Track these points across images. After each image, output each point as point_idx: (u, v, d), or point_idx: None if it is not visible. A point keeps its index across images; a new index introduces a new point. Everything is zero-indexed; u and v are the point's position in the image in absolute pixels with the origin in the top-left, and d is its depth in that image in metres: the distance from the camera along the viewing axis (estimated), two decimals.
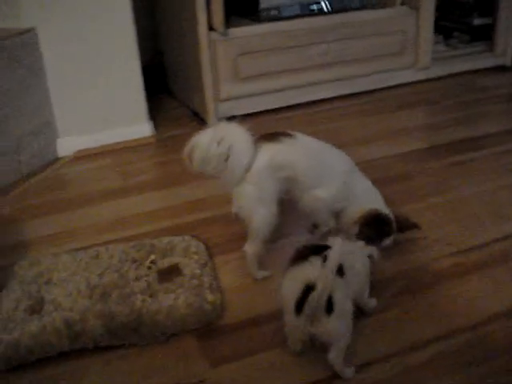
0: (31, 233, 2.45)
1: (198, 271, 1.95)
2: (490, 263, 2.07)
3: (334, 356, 1.57)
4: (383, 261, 1.88)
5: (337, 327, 1.54)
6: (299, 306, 1.51)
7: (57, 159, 3.13)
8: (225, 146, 1.84)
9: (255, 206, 1.91)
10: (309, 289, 1.48)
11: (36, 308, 1.85)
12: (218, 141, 1.84)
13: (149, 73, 3.42)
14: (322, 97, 3.67)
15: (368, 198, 2.06)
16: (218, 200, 2.57)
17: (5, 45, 2.75)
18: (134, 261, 2.03)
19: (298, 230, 2.27)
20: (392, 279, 2.01)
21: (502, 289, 1.94)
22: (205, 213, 2.49)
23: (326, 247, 1.57)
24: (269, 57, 3.41)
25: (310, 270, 1.53)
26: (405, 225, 2.09)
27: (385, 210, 2.05)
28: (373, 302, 1.84)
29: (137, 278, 1.93)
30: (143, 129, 3.31)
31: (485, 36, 4.15)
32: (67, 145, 3.16)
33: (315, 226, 2.18)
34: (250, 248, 1.99)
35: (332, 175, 2.02)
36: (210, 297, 1.84)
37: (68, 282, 1.94)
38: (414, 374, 1.62)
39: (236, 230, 2.20)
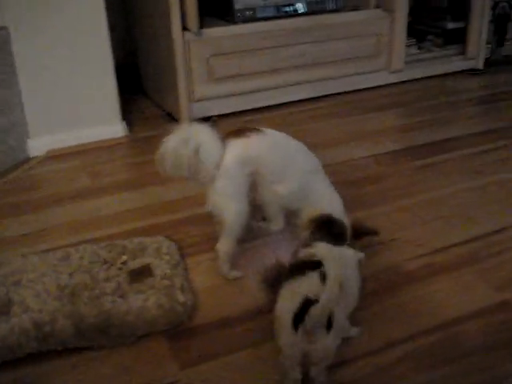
0: (0, 233, 2.41)
1: (169, 272, 1.95)
2: (459, 265, 2.10)
3: (318, 373, 1.54)
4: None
5: (333, 344, 1.48)
6: (297, 321, 1.43)
7: (28, 159, 3.09)
8: (192, 146, 1.84)
9: (227, 202, 1.93)
10: (308, 303, 1.41)
11: (3, 310, 1.82)
12: (185, 143, 1.85)
13: (122, 72, 3.39)
14: (296, 98, 3.68)
15: (326, 202, 2.01)
16: (190, 201, 2.57)
17: None
18: (105, 262, 2.02)
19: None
20: (362, 281, 2.01)
21: (470, 290, 1.97)
22: (178, 214, 2.48)
23: (318, 262, 1.49)
24: (243, 58, 3.41)
25: (308, 284, 1.47)
26: (361, 231, 2.01)
27: (340, 215, 1.97)
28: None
29: (107, 279, 1.91)
30: (116, 129, 3.29)
31: (458, 39, 4.20)
32: (38, 144, 3.12)
33: (263, 219, 2.15)
34: (222, 246, 1.99)
35: (295, 173, 2.01)
36: (181, 298, 1.83)
37: (37, 283, 1.91)
38: (384, 374, 1.63)
39: (209, 231, 2.20)
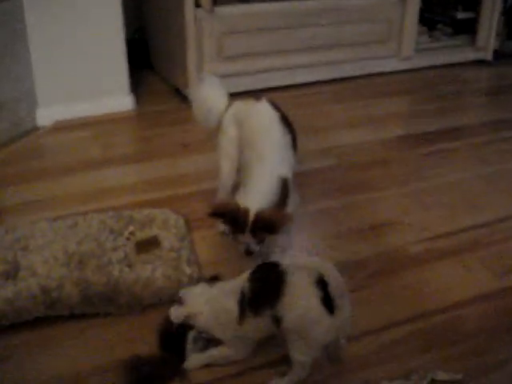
0: (8, 200, 2.43)
1: (176, 244, 1.96)
2: (462, 250, 2.12)
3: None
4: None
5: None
6: (328, 304, 1.43)
7: (36, 128, 3.09)
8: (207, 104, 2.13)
9: (221, 153, 2.12)
10: (323, 281, 1.43)
11: (11, 273, 1.84)
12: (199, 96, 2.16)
13: (131, 47, 3.39)
14: (305, 81, 3.68)
15: (255, 186, 1.86)
16: (198, 176, 2.59)
17: None
18: (113, 231, 2.03)
19: None
20: (366, 261, 2.05)
21: (471, 275, 1.99)
22: (185, 188, 2.50)
23: None
24: (255, 37, 3.41)
25: (306, 271, 1.48)
26: (267, 224, 1.82)
27: (255, 203, 1.81)
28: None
29: (115, 248, 1.93)
30: (124, 102, 3.30)
31: (468, 30, 4.19)
32: (47, 114, 3.12)
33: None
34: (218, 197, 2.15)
35: (259, 147, 1.94)
36: (187, 270, 1.85)
37: (45, 249, 1.93)
38: (387, 352, 1.66)
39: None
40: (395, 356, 1.65)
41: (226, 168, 2.12)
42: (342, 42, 3.67)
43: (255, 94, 2.15)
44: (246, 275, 1.57)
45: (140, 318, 1.78)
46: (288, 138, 1.97)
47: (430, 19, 4.26)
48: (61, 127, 3.12)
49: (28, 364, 1.63)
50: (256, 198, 1.80)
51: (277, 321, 1.49)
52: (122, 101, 3.29)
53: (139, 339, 1.69)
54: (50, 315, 1.75)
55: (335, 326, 1.45)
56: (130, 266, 1.86)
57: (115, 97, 3.27)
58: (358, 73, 3.82)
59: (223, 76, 3.35)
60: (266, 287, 1.52)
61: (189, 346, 1.58)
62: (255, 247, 1.87)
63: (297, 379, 1.54)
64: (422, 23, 4.04)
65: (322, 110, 3.39)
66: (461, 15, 4.17)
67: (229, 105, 2.12)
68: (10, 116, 2.92)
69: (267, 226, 1.79)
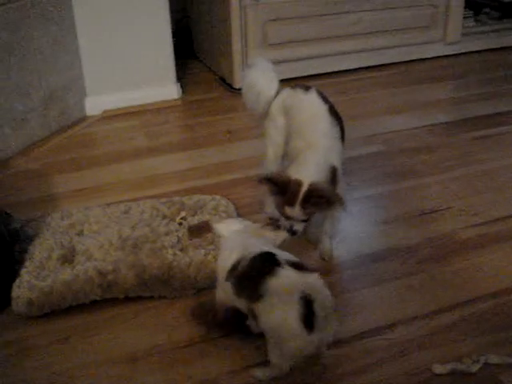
0: (61, 187, 2.50)
1: None
2: None
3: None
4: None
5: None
6: (308, 322, 1.37)
7: (85, 117, 3.16)
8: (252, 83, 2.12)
9: (267, 139, 2.13)
10: (307, 299, 1.37)
11: (68, 257, 1.90)
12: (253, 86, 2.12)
13: (176, 36, 3.41)
14: (350, 67, 3.67)
15: (308, 164, 1.84)
16: (244, 163, 2.61)
17: (38, 1, 2.76)
18: (165, 217, 2.07)
19: None
20: (417, 246, 2.04)
21: None
22: (232, 175, 2.53)
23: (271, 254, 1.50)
24: (299, 24, 3.40)
25: (294, 281, 1.43)
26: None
27: (308, 177, 1.79)
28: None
29: (167, 233, 1.96)
30: (171, 91, 3.34)
31: None
32: (95, 103, 3.19)
33: None
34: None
35: (308, 136, 1.93)
36: None
37: (100, 234, 1.98)
38: (438, 336, 1.66)
39: (261, 192, 2.23)
40: (446, 340, 1.65)
41: (272, 154, 2.13)
42: (386, 27, 3.64)
43: (303, 83, 2.13)
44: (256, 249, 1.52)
45: (194, 300, 1.81)
46: (336, 129, 1.96)
47: (476, 3, 4.18)
48: (109, 116, 3.18)
49: (84, 346, 1.68)
50: (309, 172, 1.77)
51: (254, 315, 1.47)
52: (169, 90, 3.33)
53: (194, 321, 1.73)
54: (105, 298, 1.80)
55: (313, 343, 1.40)
56: (182, 250, 1.89)
57: (162, 86, 3.31)
58: (403, 58, 3.79)
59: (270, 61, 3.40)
60: (252, 277, 1.47)
61: None
62: (299, 226, 1.81)
63: (275, 375, 1.52)
64: (467, 7, 3.97)
65: (368, 96, 3.37)
66: None
67: (278, 91, 2.11)
68: (59, 105, 2.99)
69: (319, 199, 1.74)
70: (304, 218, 1.78)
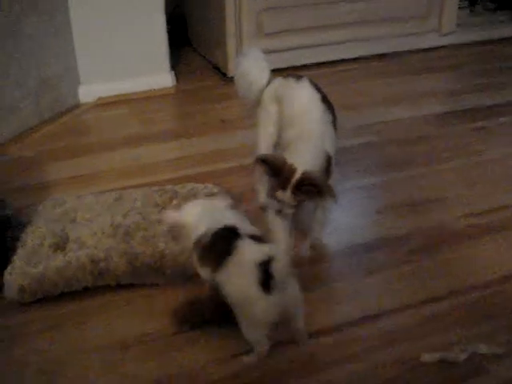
0: (54, 175, 2.50)
1: None
2: (505, 227, 2.11)
3: (302, 325, 1.57)
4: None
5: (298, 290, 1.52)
6: (266, 284, 1.44)
7: (78, 105, 3.15)
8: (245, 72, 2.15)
9: (259, 128, 2.13)
10: (265, 264, 1.44)
11: (60, 245, 1.90)
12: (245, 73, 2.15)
13: (170, 24, 3.40)
14: (345, 57, 3.67)
15: (302, 152, 1.85)
16: (238, 152, 2.62)
17: None
18: (157, 205, 2.07)
19: None
20: (408, 236, 2.05)
21: None
22: (225, 163, 2.53)
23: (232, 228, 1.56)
24: (294, 13, 3.40)
25: (253, 250, 1.50)
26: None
27: (302, 164, 1.79)
28: None
29: (160, 222, 1.96)
30: (165, 79, 3.33)
31: (510, 5, 4.09)
32: (89, 91, 3.18)
33: None
34: (255, 173, 2.17)
35: (301, 125, 1.93)
36: None
37: (92, 221, 1.98)
38: (427, 325, 1.67)
39: (254, 181, 2.23)
40: (436, 329, 1.66)
41: (264, 143, 2.12)
42: (381, 17, 3.64)
43: (296, 73, 2.12)
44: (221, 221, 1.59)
45: (185, 287, 1.81)
46: (329, 118, 1.96)
47: None
48: (103, 104, 3.17)
49: (76, 332, 1.69)
50: (304, 160, 1.78)
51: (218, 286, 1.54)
52: (163, 78, 3.32)
53: (185, 308, 1.73)
54: (97, 285, 1.81)
55: (275, 305, 1.45)
56: (174, 238, 1.89)
57: (156, 74, 3.30)
58: (398, 49, 3.78)
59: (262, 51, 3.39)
60: (213, 249, 1.55)
61: None
62: (289, 209, 1.82)
63: (258, 354, 1.55)
64: None
65: (362, 86, 3.37)
66: None
67: (270, 80, 2.12)
68: (52, 93, 2.99)
69: (311, 187, 1.75)
70: (294, 203, 1.80)
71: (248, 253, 1.50)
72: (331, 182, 1.88)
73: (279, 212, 1.83)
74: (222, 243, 1.54)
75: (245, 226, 1.59)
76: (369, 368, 1.55)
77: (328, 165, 1.86)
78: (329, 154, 1.87)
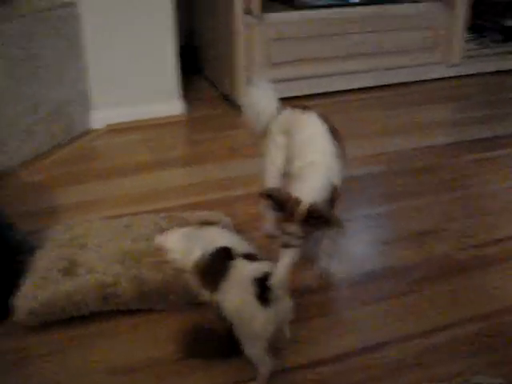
0: (64, 199, 2.53)
1: None
2: (508, 258, 2.13)
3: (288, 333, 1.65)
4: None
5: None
6: (262, 297, 1.50)
7: (89, 131, 3.21)
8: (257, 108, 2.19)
9: (267, 159, 2.15)
10: (262, 280, 1.50)
11: (70, 270, 1.92)
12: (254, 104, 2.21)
13: (181, 52, 3.46)
14: (351, 87, 3.72)
15: (308, 183, 1.87)
16: (244, 180, 2.65)
17: (48, 16, 2.83)
18: (164, 231, 2.09)
19: None
20: (414, 266, 2.08)
21: None
22: (233, 191, 2.57)
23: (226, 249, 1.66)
24: (302, 44, 3.46)
25: (249, 267, 1.59)
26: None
27: (308, 196, 1.82)
28: None
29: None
30: (175, 107, 3.39)
31: None
32: (100, 117, 3.24)
33: None
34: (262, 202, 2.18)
35: (309, 156, 1.95)
36: None
37: (101, 247, 2.01)
38: (431, 355, 1.69)
39: (260, 208, 2.26)
40: (439, 360, 1.68)
41: (271, 173, 2.14)
42: (387, 49, 3.70)
43: (303, 103, 2.16)
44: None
45: (193, 313, 1.83)
46: (336, 148, 1.97)
47: (478, 26, 4.24)
48: (113, 130, 3.22)
49: (83, 356, 1.71)
50: (310, 192, 1.80)
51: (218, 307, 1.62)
52: (173, 105, 3.38)
53: (188, 337, 1.75)
54: (105, 310, 1.83)
55: (272, 318, 1.52)
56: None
57: (166, 101, 3.36)
58: (404, 79, 3.84)
59: (271, 82, 3.44)
60: (211, 271, 1.66)
61: None
62: (296, 241, 1.82)
63: (264, 374, 1.58)
64: (470, 30, 4.03)
65: (368, 115, 3.42)
66: (509, 22, 4.14)
67: (278, 111, 2.15)
68: (64, 118, 3.04)
69: (318, 219, 1.76)
70: (301, 235, 1.81)
71: (243, 271, 1.58)
72: (337, 212, 1.91)
73: (287, 245, 1.83)
74: (218, 264, 1.63)
75: (240, 246, 1.70)
76: None
77: (334, 196, 1.88)
78: (335, 185, 1.89)
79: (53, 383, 1.62)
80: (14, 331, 1.79)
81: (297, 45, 3.45)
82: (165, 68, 3.30)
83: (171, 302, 1.83)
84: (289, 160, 2.03)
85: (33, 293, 1.80)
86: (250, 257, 1.64)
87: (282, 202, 1.80)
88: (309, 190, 1.81)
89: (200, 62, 4.08)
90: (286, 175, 2.06)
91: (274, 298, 1.49)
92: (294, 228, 1.78)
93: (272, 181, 2.14)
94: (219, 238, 1.75)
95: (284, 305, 1.54)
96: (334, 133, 2.02)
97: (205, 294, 1.69)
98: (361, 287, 1.99)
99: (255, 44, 3.35)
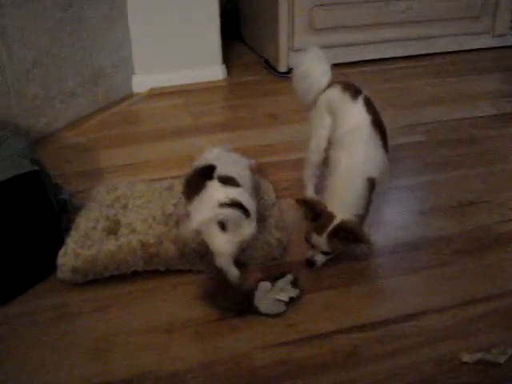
0: (106, 161, 2.58)
1: (266, 211, 2.04)
2: None
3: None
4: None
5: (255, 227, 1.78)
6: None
7: (131, 95, 3.24)
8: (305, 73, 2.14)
9: (312, 135, 2.14)
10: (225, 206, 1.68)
11: (113, 229, 1.97)
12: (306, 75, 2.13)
13: (222, 18, 3.45)
14: (396, 55, 3.66)
15: (343, 192, 1.88)
16: (285, 146, 2.66)
17: None
18: None
19: None
20: (452, 238, 2.06)
21: None
22: (273, 157, 2.57)
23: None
24: (346, 10, 3.41)
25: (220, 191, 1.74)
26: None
27: (341, 213, 1.85)
28: None
29: None
30: (216, 72, 3.39)
31: None
32: (142, 81, 3.26)
33: None
34: (305, 170, 2.22)
35: (348, 146, 1.93)
36: (276, 233, 1.94)
37: (144, 208, 2.05)
38: (467, 326, 1.69)
39: (300, 175, 2.27)
40: (475, 331, 1.68)
41: (315, 145, 2.12)
42: (434, 16, 3.61)
43: (353, 85, 2.06)
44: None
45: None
46: (378, 141, 1.94)
47: None
48: (155, 94, 3.25)
49: (124, 314, 1.76)
50: (343, 207, 1.82)
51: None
52: (214, 71, 3.38)
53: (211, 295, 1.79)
54: (147, 269, 1.88)
55: (231, 240, 1.72)
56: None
57: (208, 66, 3.37)
58: (449, 48, 3.76)
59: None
60: (191, 183, 1.84)
61: None
62: (321, 258, 1.87)
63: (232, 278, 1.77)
64: None
65: (412, 85, 3.36)
66: None
67: (329, 84, 2.09)
68: (107, 82, 3.08)
69: (347, 235, 1.79)
70: (327, 250, 1.84)
71: (213, 193, 1.73)
72: (372, 208, 1.90)
73: (310, 261, 1.89)
74: (197, 180, 1.80)
75: (227, 168, 1.84)
76: (409, 365, 1.57)
77: (371, 189, 1.86)
78: (373, 177, 1.86)
79: (95, 340, 1.67)
80: (57, 288, 1.84)
81: (340, 11, 3.40)
82: (207, 33, 3.29)
83: (210, 263, 1.86)
84: (330, 145, 2.04)
85: (76, 251, 1.85)
86: (227, 181, 1.77)
87: (316, 212, 1.83)
88: (342, 206, 1.82)
89: (242, 27, 4.05)
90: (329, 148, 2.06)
91: (231, 226, 1.69)
92: (322, 241, 1.82)
93: (314, 155, 2.13)
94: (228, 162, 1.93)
95: (243, 232, 1.73)
96: (378, 124, 1.97)
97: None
98: (399, 256, 1.99)
99: (298, 9, 3.31)
